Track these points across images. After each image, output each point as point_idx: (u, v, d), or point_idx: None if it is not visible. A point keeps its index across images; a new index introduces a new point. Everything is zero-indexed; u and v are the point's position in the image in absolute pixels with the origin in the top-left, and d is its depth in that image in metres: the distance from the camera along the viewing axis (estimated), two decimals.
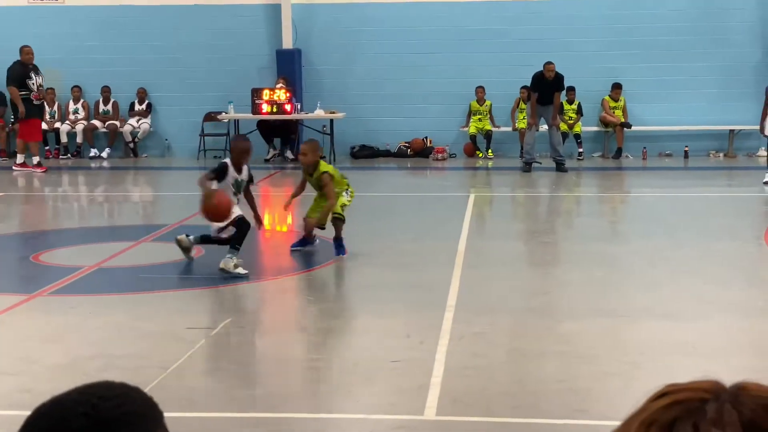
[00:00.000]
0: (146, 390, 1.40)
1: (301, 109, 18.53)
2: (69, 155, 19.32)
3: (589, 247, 10.25)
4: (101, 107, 19.54)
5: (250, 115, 18.21)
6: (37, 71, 16.83)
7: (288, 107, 17.89)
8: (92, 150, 19.36)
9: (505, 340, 7.07)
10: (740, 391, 0.77)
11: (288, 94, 17.92)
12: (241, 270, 8.73)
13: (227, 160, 9.23)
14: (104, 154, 19.30)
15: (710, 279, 8.76)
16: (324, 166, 9.65)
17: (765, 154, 16.48)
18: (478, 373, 6.21)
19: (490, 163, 18.23)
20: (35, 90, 16.66)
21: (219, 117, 18.68)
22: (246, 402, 5.70)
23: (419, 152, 18.82)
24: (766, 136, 15.15)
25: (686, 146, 18.48)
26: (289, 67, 18.85)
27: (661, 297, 8.15)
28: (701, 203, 13.69)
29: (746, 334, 7.23)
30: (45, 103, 17.99)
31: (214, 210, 8.75)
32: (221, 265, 8.70)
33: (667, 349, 6.71)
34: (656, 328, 7.23)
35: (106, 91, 19.40)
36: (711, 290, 8.34)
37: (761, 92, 15.47)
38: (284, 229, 11.98)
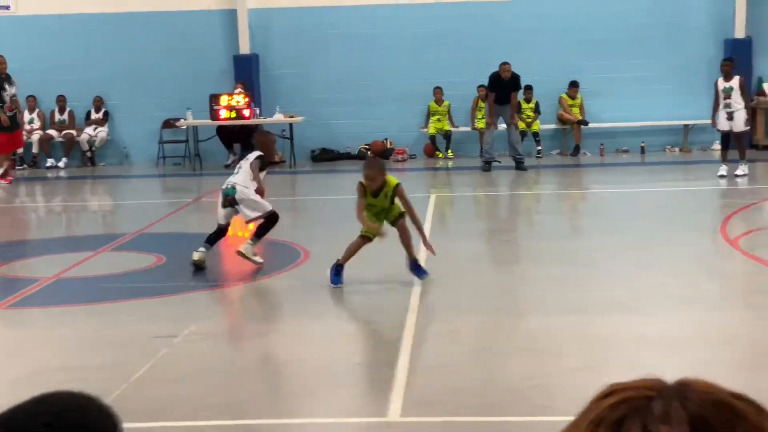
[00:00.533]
0: (109, 400, 1.39)
1: (260, 114, 18.47)
2: (25, 165, 19.10)
3: (551, 244, 10.31)
4: (57, 116, 19.34)
5: (209, 121, 18.12)
6: (9, 81, 16.61)
7: (247, 112, 17.82)
8: (49, 160, 19.16)
9: (470, 339, 7.08)
10: (684, 387, 0.78)
11: (247, 99, 17.86)
12: (258, 258, 9.21)
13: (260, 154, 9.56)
14: (61, 164, 19.11)
15: (671, 273, 8.84)
16: (391, 179, 8.62)
17: (719, 147, 16.68)
18: (443, 373, 6.22)
19: (450, 163, 18.30)
20: (8, 101, 16.44)
21: (177, 124, 18.57)
22: (210, 410, 5.65)
23: (380, 154, 18.78)
24: (718, 130, 15.34)
25: (642, 142, 18.69)
26: (246, 72, 18.80)
27: (623, 292, 8.21)
28: (659, 198, 13.83)
29: (707, 327, 7.31)
30: (18, 114, 17.42)
31: None
32: (241, 249, 9.09)
33: (631, 343, 6.77)
34: (620, 323, 7.29)
35: (61, 101, 19.21)
36: (672, 284, 8.42)
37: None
38: (246, 234, 11.94)
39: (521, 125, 17.87)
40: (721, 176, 14.82)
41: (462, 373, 6.25)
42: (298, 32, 18.88)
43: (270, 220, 9.38)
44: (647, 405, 0.76)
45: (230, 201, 9.27)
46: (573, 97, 18.78)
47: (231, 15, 18.97)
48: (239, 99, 17.83)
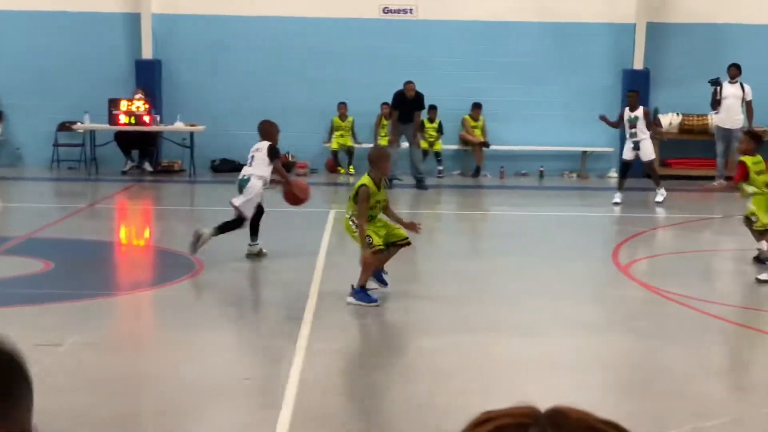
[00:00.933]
0: None
1: (161, 121, 18.17)
2: None
3: (448, 265, 10.38)
4: None
5: (107, 126, 17.74)
6: None
7: (147, 119, 17.51)
8: None
9: (360, 356, 7.05)
10: (557, 415, 0.76)
11: (147, 106, 17.55)
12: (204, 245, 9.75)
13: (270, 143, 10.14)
14: None
15: (563, 296, 8.98)
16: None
17: (615, 175, 17.08)
18: (334, 389, 6.17)
19: (351, 179, 18.28)
20: None
21: (74, 127, 18.12)
22: (92, 424, 5.48)
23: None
24: (622, 159, 15.63)
25: (541, 166, 19.01)
26: (148, 78, 18.48)
27: (514, 314, 8.30)
28: (555, 222, 14.06)
29: (591, 351, 7.43)
30: None
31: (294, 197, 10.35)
32: (200, 231, 9.76)
33: (522, 365, 6.84)
34: (512, 345, 7.36)
35: None
36: (564, 307, 8.55)
37: (613, 116, 16.03)
38: (141, 243, 11.69)
39: (424, 144, 18.01)
40: (616, 203, 15.18)
41: (352, 390, 6.21)
42: (202, 40, 18.67)
43: (238, 221, 9.96)
44: None
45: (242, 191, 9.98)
46: (476, 119, 19.01)
47: (134, 19, 18.64)
48: (139, 105, 17.51)
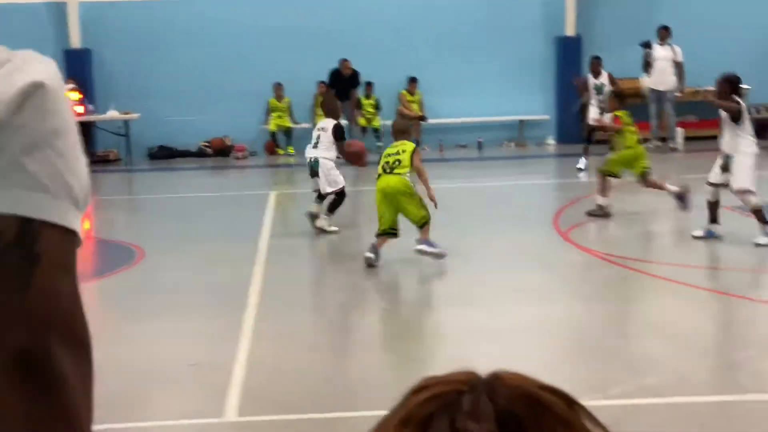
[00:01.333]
0: None
1: (94, 111, 17.90)
2: None
3: (389, 240, 10.39)
4: None
5: None
6: None
7: (80, 109, 17.23)
8: None
9: (306, 336, 7.05)
10: (496, 381, 0.76)
11: (79, 96, 17.27)
12: (333, 228, 10.44)
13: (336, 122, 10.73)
14: None
15: (506, 266, 9.06)
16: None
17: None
18: (280, 371, 6.17)
19: (291, 160, 18.21)
20: None
21: None
22: None
23: (219, 151, 18.59)
24: (589, 123, 15.52)
25: (479, 137, 19.10)
26: (78, 67, 18.14)
27: (457, 284, 8.36)
28: (495, 192, 14.15)
29: (536, 318, 7.50)
30: None
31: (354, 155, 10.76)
32: (318, 225, 10.37)
33: (463, 335, 6.89)
34: (454, 315, 7.41)
35: None
36: (506, 276, 8.63)
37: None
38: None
39: (362, 122, 17.99)
40: (580, 169, 15.27)
41: (299, 370, 6.22)
42: (132, 27, 18.39)
43: (340, 196, 10.49)
44: (457, 400, 0.73)
45: (315, 173, 10.42)
46: (412, 93, 19.01)
47: (61, 8, 18.30)
48: (71, 95, 17.21)
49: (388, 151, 9.07)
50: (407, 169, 8.86)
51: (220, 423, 5.32)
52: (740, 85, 10.23)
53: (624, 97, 11.89)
